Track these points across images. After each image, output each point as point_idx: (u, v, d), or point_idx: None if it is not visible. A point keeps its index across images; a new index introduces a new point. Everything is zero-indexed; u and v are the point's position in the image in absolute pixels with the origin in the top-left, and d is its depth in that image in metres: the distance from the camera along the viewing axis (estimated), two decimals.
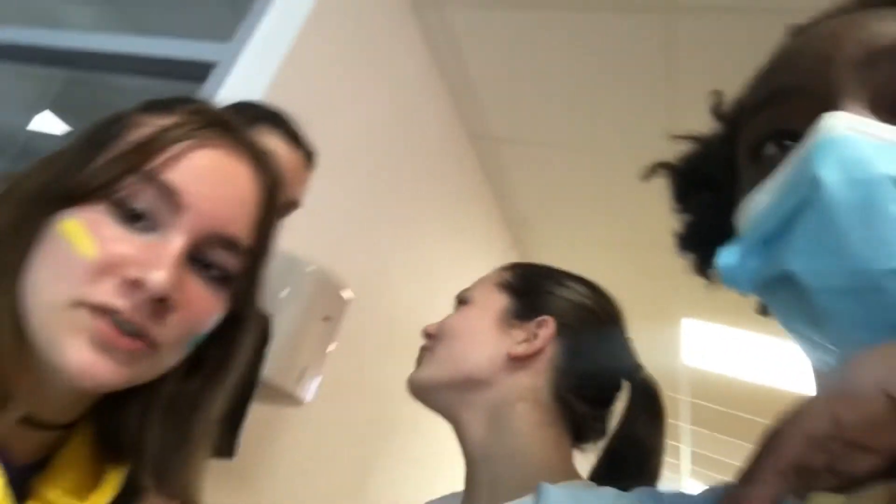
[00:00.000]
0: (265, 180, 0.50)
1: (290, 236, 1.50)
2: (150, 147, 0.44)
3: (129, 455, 0.48)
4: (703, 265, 0.53)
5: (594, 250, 3.01)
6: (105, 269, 0.41)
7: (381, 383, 2.16)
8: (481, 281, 0.79)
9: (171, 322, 0.43)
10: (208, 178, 0.45)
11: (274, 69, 1.40)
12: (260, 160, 0.50)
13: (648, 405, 0.70)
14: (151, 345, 0.43)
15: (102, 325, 0.40)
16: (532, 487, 0.57)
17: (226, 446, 1.02)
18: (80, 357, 0.40)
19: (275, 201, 0.51)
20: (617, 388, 0.72)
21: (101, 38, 1.64)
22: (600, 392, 0.71)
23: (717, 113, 0.51)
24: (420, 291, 2.35)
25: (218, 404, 0.51)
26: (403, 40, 1.99)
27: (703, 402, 4.08)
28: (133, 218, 0.43)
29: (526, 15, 1.84)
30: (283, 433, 1.71)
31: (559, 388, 0.68)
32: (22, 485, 0.44)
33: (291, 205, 0.97)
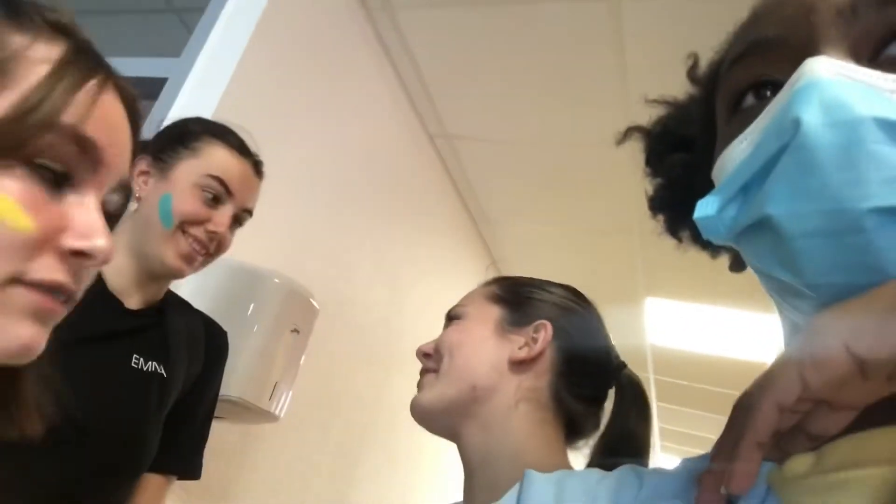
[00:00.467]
0: (138, 121, 0.47)
1: (253, 249, 1.49)
2: (60, 95, 0.39)
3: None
4: (675, 226, 0.54)
5: (558, 240, 3.05)
6: (42, 242, 0.39)
7: (355, 392, 2.16)
8: (469, 297, 0.82)
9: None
10: (114, 127, 0.43)
11: (225, 81, 1.38)
12: (133, 100, 0.47)
13: (636, 400, 0.75)
14: (72, 301, 0.42)
15: (42, 299, 0.39)
16: None
17: (190, 467, 1.02)
18: (22, 334, 0.39)
19: (139, 130, 0.49)
20: (609, 384, 0.76)
21: None
22: (594, 390, 0.75)
23: (692, 76, 0.51)
24: (388, 296, 2.35)
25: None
26: (354, 44, 1.97)
27: (666, 378, 4.20)
28: (48, 179, 0.39)
29: (473, 11, 1.84)
30: (257, 449, 1.69)
31: (557, 388, 0.72)
32: None
33: (246, 213, 1.00)
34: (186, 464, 1.02)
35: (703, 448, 0.41)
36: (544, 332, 0.72)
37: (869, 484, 0.30)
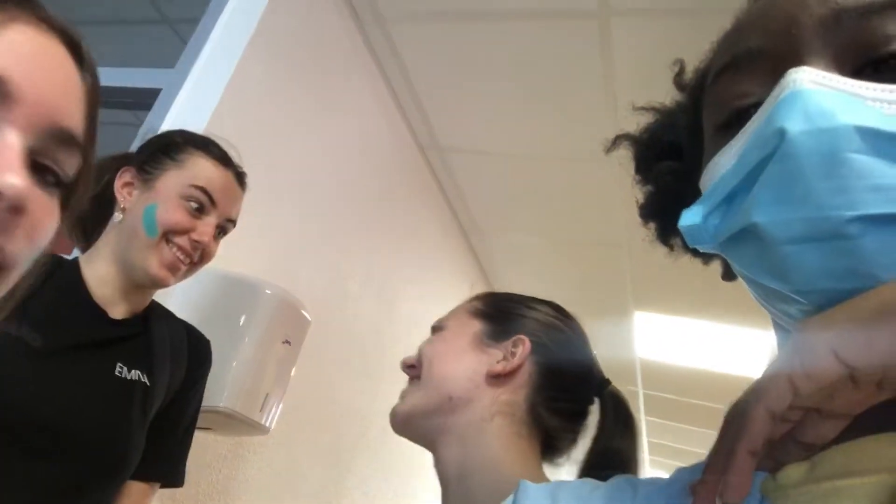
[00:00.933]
0: (87, 65, 0.43)
1: (245, 260, 1.49)
2: None
3: None
4: (665, 234, 0.54)
5: (548, 252, 3.06)
6: None
7: (345, 403, 2.15)
8: (454, 311, 0.83)
9: (20, 237, 0.36)
10: (35, 63, 0.37)
11: (219, 93, 1.39)
12: (78, 42, 0.42)
13: (621, 418, 0.75)
14: (2, 265, 0.36)
15: None
16: (505, 495, 0.60)
17: (173, 475, 1.03)
18: None
19: (98, 91, 0.45)
20: (590, 401, 0.77)
21: None
22: (573, 406, 0.76)
23: (679, 83, 0.51)
24: (379, 307, 2.35)
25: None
26: (347, 57, 1.99)
27: (655, 393, 4.21)
28: None
29: (465, 26, 1.86)
30: (248, 460, 1.68)
31: (534, 403, 0.72)
32: None
33: (229, 223, 1.02)
34: (169, 472, 1.02)
35: (692, 463, 0.41)
36: (522, 347, 0.73)
37: (863, 492, 0.30)
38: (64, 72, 0.40)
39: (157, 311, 1.03)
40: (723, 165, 0.38)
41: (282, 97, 1.67)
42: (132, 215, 0.94)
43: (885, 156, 0.30)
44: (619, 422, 0.74)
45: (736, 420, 0.30)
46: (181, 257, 0.95)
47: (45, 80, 0.38)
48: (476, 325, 0.78)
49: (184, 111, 1.35)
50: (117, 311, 0.95)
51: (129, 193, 0.96)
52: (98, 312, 0.93)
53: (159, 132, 1.06)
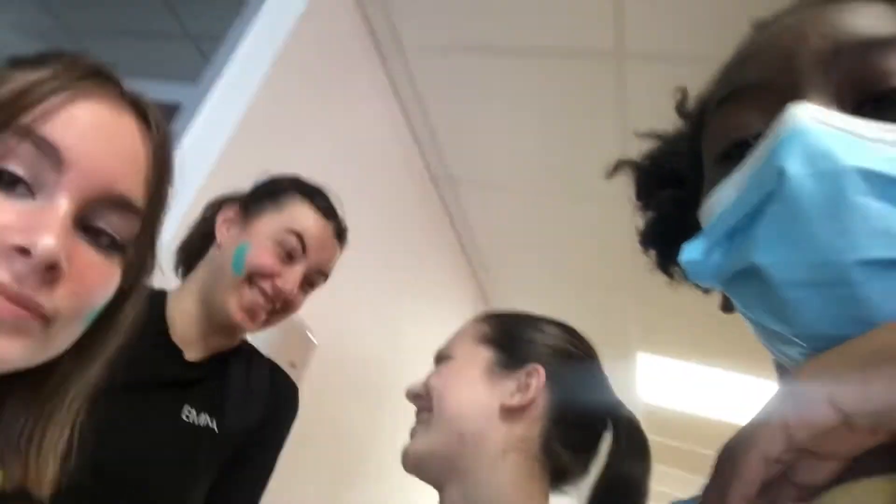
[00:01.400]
0: (155, 135, 0.46)
1: None
2: (22, 101, 0.39)
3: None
4: (666, 262, 0.53)
5: (551, 288, 3.05)
6: None
7: (347, 429, 2.11)
8: (459, 336, 0.79)
9: (62, 294, 0.38)
10: (91, 133, 0.40)
11: (241, 112, 1.39)
12: (147, 113, 0.45)
13: (634, 443, 0.72)
14: (42, 317, 0.38)
15: None
16: None
17: None
18: None
19: (167, 157, 0.47)
20: (604, 428, 0.72)
21: None
22: (587, 437, 0.72)
23: (681, 111, 0.51)
24: (384, 334, 2.33)
25: (87, 380, 0.46)
26: (367, 85, 2.00)
27: (659, 439, 4.13)
28: (10, 183, 0.38)
29: (483, 61, 1.89)
30: None
31: (549, 437, 0.68)
32: None
33: (321, 276, 0.98)
34: None
35: None
36: (537, 378, 0.69)
37: None
38: (122, 141, 0.42)
39: (241, 352, 0.98)
40: (723, 200, 0.37)
41: (299, 121, 1.68)
42: (224, 252, 0.91)
43: (887, 199, 0.30)
44: (632, 447, 0.71)
45: (729, 462, 0.29)
46: (261, 302, 0.89)
47: (100, 149, 0.40)
48: (485, 354, 0.73)
49: (205, 128, 1.34)
50: (193, 353, 0.90)
51: (227, 230, 0.93)
52: (174, 352, 0.88)
53: (272, 176, 1.02)
